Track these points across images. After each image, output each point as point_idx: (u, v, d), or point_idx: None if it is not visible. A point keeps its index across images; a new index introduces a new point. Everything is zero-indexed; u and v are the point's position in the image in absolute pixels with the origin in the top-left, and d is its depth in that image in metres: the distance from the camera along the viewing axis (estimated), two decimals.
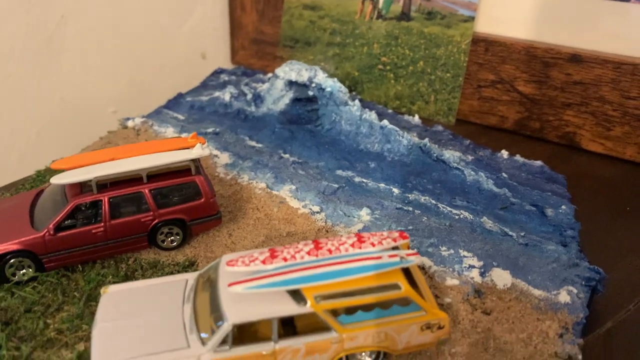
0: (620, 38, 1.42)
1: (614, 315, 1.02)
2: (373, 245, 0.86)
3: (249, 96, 1.65)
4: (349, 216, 1.19)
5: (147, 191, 1.05)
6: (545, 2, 1.50)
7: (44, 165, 1.42)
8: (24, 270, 1.03)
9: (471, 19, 1.58)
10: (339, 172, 1.35)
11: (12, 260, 1.01)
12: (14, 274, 1.02)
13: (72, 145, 1.58)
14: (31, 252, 1.02)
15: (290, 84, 1.58)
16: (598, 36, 1.44)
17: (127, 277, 1.05)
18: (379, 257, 0.83)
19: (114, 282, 1.02)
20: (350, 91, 1.69)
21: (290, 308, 0.79)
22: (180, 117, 1.60)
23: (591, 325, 0.99)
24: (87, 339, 0.93)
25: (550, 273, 1.03)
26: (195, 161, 1.10)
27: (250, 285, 0.79)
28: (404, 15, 1.67)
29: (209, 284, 0.86)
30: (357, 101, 1.49)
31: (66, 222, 1.03)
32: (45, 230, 1.02)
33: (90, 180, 1.03)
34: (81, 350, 0.91)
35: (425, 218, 1.18)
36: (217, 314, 0.80)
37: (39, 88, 1.65)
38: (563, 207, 1.21)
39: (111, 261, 1.08)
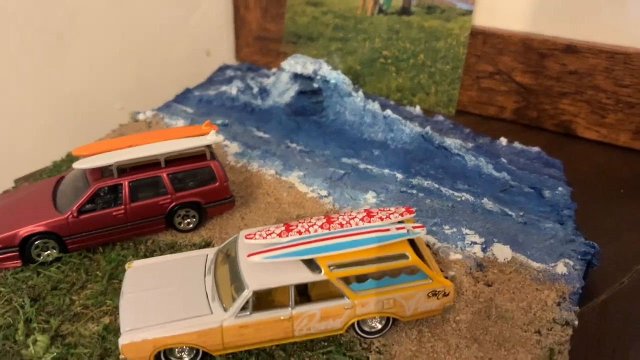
0: (613, 29, 1.48)
1: (608, 288, 1.08)
2: (381, 219, 0.92)
3: (255, 90, 1.71)
4: (355, 199, 1.25)
5: (165, 175, 1.11)
6: None
7: (59, 156, 1.47)
8: (49, 252, 1.08)
9: (469, 12, 1.64)
10: (345, 159, 1.41)
11: (37, 242, 1.06)
12: (39, 255, 1.08)
13: (85, 137, 1.62)
14: (55, 234, 1.07)
15: (295, 77, 1.64)
16: (592, 27, 1.50)
17: (147, 257, 1.10)
18: (388, 230, 0.89)
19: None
20: (353, 84, 1.75)
21: (306, 276, 0.85)
22: (189, 110, 1.65)
23: (587, 297, 1.04)
24: (112, 313, 0.98)
25: (548, 248, 1.09)
26: (210, 147, 1.16)
27: (268, 255, 0.85)
28: (405, 10, 1.73)
29: (229, 257, 0.92)
30: (360, 92, 1.55)
31: (88, 205, 1.08)
32: (69, 212, 1.07)
33: (111, 165, 1.08)
34: (107, 323, 0.96)
35: (429, 200, 1.24)
36: (237, 283, 0.86)
37: (49, 82, 1.70)
38: (560, 188, 1.27)
39: (130, 243, 1.14)
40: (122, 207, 1.09)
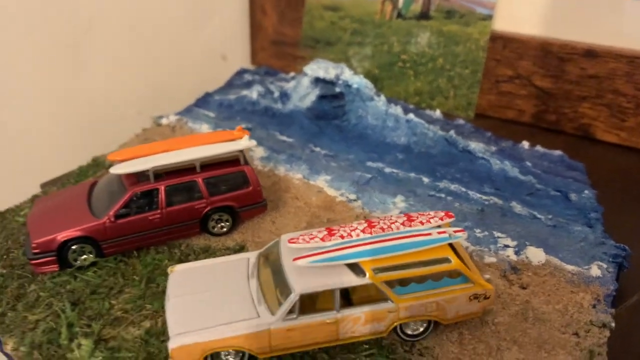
0: (634, 33, 1.49)
1: (638, 289, 1.09)
2: (422, 223, 0.93)
3: (276, 94, 1.72)
4: (384, 203, 1.26)
5: (200, 180, 1.12)
6: (560, 0, 1.58)
7: (84, 161, 1.48)
8: (85, 256, 1.09)
9: (489, 17, 1.66)
10: (369, 163, 1.42)
11: (74, 247, 1.07)
12: (75, 259, 1.08)
13: (109, 142, 1.64)
14: (92, 239, 1.08)
15: (316, 81, 1.65)
16: (612, 32, 1.52)
17: (181, 261, 1.10)
18: (429, 234, 0.90)
19: (170, 266, 1.08)
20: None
21: (351, 279, 0.86)
22: (211, 114, 1.66)
23: (618, 299, 1.06)
24: (152, 317, 0.99)
25: (580, 251, 1.10)
26: (242, 152, 1.17)
27: (314, 259, 0.86)
28: (424, 15, 1.75)
29: (271, 261, 0.93)
30: (382, 96, 1.56)
31: (124, 210, 1.09)
32: (106, 217, 1.08)
33: (147, 170, 1.09)
34: (148, 327, 0.97)
35: (458, 204, 1.25)
36: (282, 287, 0.87)
37: (71, 89, 1.71)
38: (586, 192, 1.28)
39: (164, 247, 1.15)
40: (159, 211, 1.10)
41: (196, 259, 1.12)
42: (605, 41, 1.54)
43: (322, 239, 0.89)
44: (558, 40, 1.59)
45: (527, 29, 1.63)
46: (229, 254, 1.12)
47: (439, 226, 0.93)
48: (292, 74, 1.88)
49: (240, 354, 0.86)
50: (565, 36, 1.59)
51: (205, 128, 1.56)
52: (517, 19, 1.64)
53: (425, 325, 0.92)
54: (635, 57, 1.48)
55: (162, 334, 0.94)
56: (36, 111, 1.65)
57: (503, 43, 1.65)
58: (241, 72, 1.96)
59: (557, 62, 1.59)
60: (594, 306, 0.99)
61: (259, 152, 1.45)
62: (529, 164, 1.40)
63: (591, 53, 1.54)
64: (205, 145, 1.14)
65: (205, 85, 1.92)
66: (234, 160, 1.16)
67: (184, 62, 1.99)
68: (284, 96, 1.70)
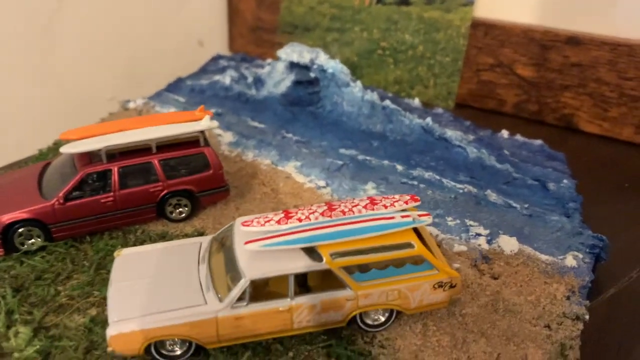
0: (617, 20, 1.45)
1: (617, 282, 1.04)
2: (385, 207, 0.87)
3: (250, 79, 1.66)
4: (354, 190, 1.20)
5: (156, 161, 1.06)
6: None
7: (45, 145, 1.42)
8: (33, 240, 1.03)
9: (470, 3, 1.60)
10: (343, 150, 1.36)
11: (20, 230, 1.01)
12: (22, 244, 1.02)
13: (73, 126, 1.57)
14: (40, 222, 1.02)
15: (292, 66, 1.59)
16: (595, 19, 1.47)
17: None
18: (392, 218, 0.85)
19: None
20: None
21: (306, 264, 0.80)
22: (181, 99, 1.60)
23: (595, 291, 1.00)
24: (99, 304, 0.93)
25: (555, 241, 1.05)
26: (203, 133, 1.11)
27: (266, 242, 0.80)
28: (404, 0, 1.69)
29: (224, 246, 0.87)
30: (358, 82, 1.50)
31: (75, 192, 1.03)
32: (55, 199, 1.02)
33: (100, 150, 1.03)
34: (94, 315, 0.91)
35: (430, 191, 1.20)
36: (233, 272, 0.81)
37: (38, 74, 1.65)
38: (565, 181, 1.23)
39: (119, 232, 1.08)
40: (111, 194, 1.04)
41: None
42: (589, 28, 1.49)
43: (278, 222, 0.84)
44: (541, 27, 1.54)
45: (509, 16, 1.58)
46: None
47: (403, 210, 0.88)
48: (268, 60, 1.83)
49: (187, 344, 0.80)
50: (548, 23, 1.54)
51: None
52: (499, 5, 1.59)
53: (387, 314, 0.86)
54: (618, 45, 1.43)
55: (107, 322, 0.88)
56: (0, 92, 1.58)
57: (485, 30, 1.60)
58: (217, 58, 1.90)
59: (540, 49, 1.54)
60: (567, 298, 0.93)
61: (228, 137, 1.39)
62: (507, 152, 1.34)
63: (574, 40, 1.49)
64: (163, 125, 1.08)
65: (180, 71, 1.86)
66: (194, 142, 1.09)
67: (160, 47, 1.93)
68: (258, 82, 1.64)
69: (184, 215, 1.10)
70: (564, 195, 1.20)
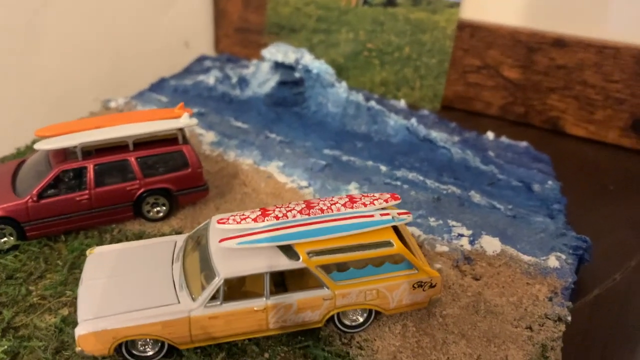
0: (603, 23, 1.44)
1: (600, 283, 1.03)
2: (365, 205, 0.85)
3: (234, 80, 1.64)
4: (337, 190, 1.19)
5: (133, 159, 1.04)
6: None
7: (23, 144, 1.39)
8: (5, 239, 1.00)
9: (457, 4, 1.59)
10: (326, 151, 1.34)
11: None
12: None
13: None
14: (13, 220, 0.99)
15: (276, 67, 1.57)
16: (582, 21, 1.46)
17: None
18: (371, 216, 0.83)
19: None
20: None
21: (283, 263, 0.78)
22: (164, 99, 1.58)
23: (579, 293, 0.99)
24: (72, 304, 0.90)
25: (539, 242, 1.04)
26: (182, 131, 1.09)
27: (242, 240, 0.78)
28: (390, 2, 1.68)
29: (199, 244, 0.85)
30: (343, 83, 1.49)
31: (50, 190, 1.00)
32: (29, 196, 0.99)
33: (75, 147, 1.01)
34: (65, 315, 0.88)
35: (414, 192, 1.18)
36: (207, 271, 0.79)
37: (19, 71, 1.62)
38: (549, 182, 1.22)
39: (95, 231, 1.06)
40: (87, 192, 1.02)
41: None
42: (575, 30, 1.48)
43: (255, 220, 0.82)
44: (527, 29, 1.53)
45: (495, 18, 1.58)
46: None
47: (383, 209, 0.86)
48: (254, 61, 1.81)
49: (159, 344, 0.78)
50: (534, 25, 1.53)
51: None
52: (486, 7, 1.58)
53: (365, 315, 0.84)
54: (604, 47, 1.43)
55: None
56: None
57: (471, 31, 1.59)
58: (201, 59, 1.88)
59: (526, 51, 1.53)
60: (550, 299, 0.92)
61: (210, 137, 1.37)
62: (492, 154, 1.33)
63: (560, 42, 1.48)
64: (141, 122, 1.05)
65: (165, 72, 1.84)
66: (172, 140, 1.07)
67: (145, 47, 1.90)
68: (242, 82, 1.62)
69: (161, 214, 1.08)
70: (548, 196, 1.19)
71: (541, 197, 1.19)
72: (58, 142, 1.00)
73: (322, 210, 0.84)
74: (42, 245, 1.02)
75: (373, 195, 0.87)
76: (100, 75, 1.80)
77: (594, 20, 1.46)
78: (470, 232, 1.05)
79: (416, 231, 1.05)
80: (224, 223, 0.82)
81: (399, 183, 1.21)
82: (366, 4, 1.72)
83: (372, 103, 1.44)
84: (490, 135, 1.45)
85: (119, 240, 1.04)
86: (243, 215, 0.83)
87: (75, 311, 0.87)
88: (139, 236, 1.06)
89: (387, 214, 0.83)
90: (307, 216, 0.83)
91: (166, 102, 1.55)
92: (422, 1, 1.64)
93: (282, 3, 1.85)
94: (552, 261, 0.97)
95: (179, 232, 1.07)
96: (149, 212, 1.07)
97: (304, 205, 0.84)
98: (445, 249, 1.00)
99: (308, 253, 0.79)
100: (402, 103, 1.62)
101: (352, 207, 0.85)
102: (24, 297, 0.92)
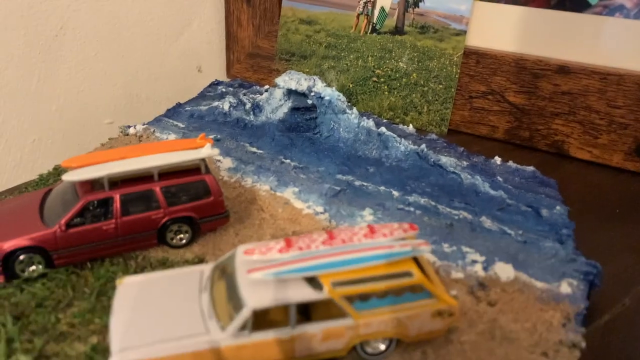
0: (606, 50, 1.49)
1: (610, 308, 1.06)
2: (385, 235, 0.89)
3: (248, 105, 1.68)
4: (352, 216, 1.22)
5: (158, 189, 1.07)
6: (533, 17, 1.57)
7: (46, 169, 1.43)
8: (34, 267, 1.03)
9: (463, 32, 1.64)
10: (340, 176, 1.38)
11: (22, 257, 1.02)
12: (23, 270, 1.03)
13: (73, 151, 1.59)
14: (42, 248, 1.02)
15: (289, 93, 1.62)
16: (585, 48, 1.51)
17: (137, 274, 1.06)
18: (392, 247, 0.86)
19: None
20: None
21: (308, 294, 0.81)
22: (181, 125, 1.62)
23: (590, 318, 1.02)
24: (100, 332, 0.93)
25: (550, 267, 1.07)
26: (204, 161, 1.13)
27: (269, 272, 0.81)
28: (398, 30, 1.73)
29: (226, 274, 0.88)
30: (355, 109, 1.53)
31: (77, 219, 1.04)
32: (57, 226, 1.03)
33: (102, 178, 1.04)
34: (95, 343, 0.91)
35: (426, 218, 1.22)
36: (235, 301, 0.82)
37: (37, 95, 1.66)
38: (557, 207, 1.26)
39: (120, 258, 1.09)
40: (113, 221, 1.05)
41: (152, 271, 1.07)
42: (579, 58, 1.53)
43: (280, 251, 0.85)
44: (532, 56, 1.58)
45: (500, 45, 1.62)
46: None
47: (402, 239, 0.89)
48: (266, 86, 1.85)
49: None
50: (538, 52, 1.58)
51: (172, 138, 1.52)
52: (491, 35, 1.63)
53: (386, 343, 0.87)
54: (608, 74, 1.47)
55: (108, 350, 0.88)
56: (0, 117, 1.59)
57: (477, 58, 1.64)
58: (215, 84, 1.92)
59: (531, 78, 1.58)
60: (563, 325, 0.95)
61: (227, 163, 1.41)
62: (500, 179, 1.37)
63: (564, 69, 1.53)
64: (165, 153, 1.09)
65: (179, 96, 1.88)
66: (195, 169, 1.11)
67: (159, 72, 1.95)
68: (256, 108, 1.67)
69: (184, 241, 1.12)
70: (556, 221, 1.22)
71: (550, 222, 1.22)
72: (86, 174, 1.04)
73: (343, 241, 0.87)
74: (69, 273, 1.05)
75: (392, 226, 0.91)
76: (116, 101, 1.84)
77: (597, 48, 1.50)
78: (483, 258, 1.08)
79: (431, 257, 1.08)
80: (250, 254, 0.85)
81: (412, 209, 1.24)
82: (375, 32, 1.76)
83: (383, 129, 1.48)
84: (497, 160, 1.49)
85: (144, 267, 1.08)
86: (268, 246, 0.86)
87: (104, 339, 0.91)
88: (162, 262, 1.09)
89: (407, 245, 0.87)
90: (329, 247, 0.86)
91: (183, 128, 1.59)
92: (429, 29, 1.69)
93: (293, 30, 1.90)
94: (565, 287, 1.00)
95: (201, 258, 1.10)
96: (172, 239, 1.11)
97: (326, 236, 0.88)
98: (460, 275, 1.03)
99: (332, 284, 0.82)
100: (410, 128, 1.66)
101: (372, 238, 0.88)
102: (53, 325, 0.94)
